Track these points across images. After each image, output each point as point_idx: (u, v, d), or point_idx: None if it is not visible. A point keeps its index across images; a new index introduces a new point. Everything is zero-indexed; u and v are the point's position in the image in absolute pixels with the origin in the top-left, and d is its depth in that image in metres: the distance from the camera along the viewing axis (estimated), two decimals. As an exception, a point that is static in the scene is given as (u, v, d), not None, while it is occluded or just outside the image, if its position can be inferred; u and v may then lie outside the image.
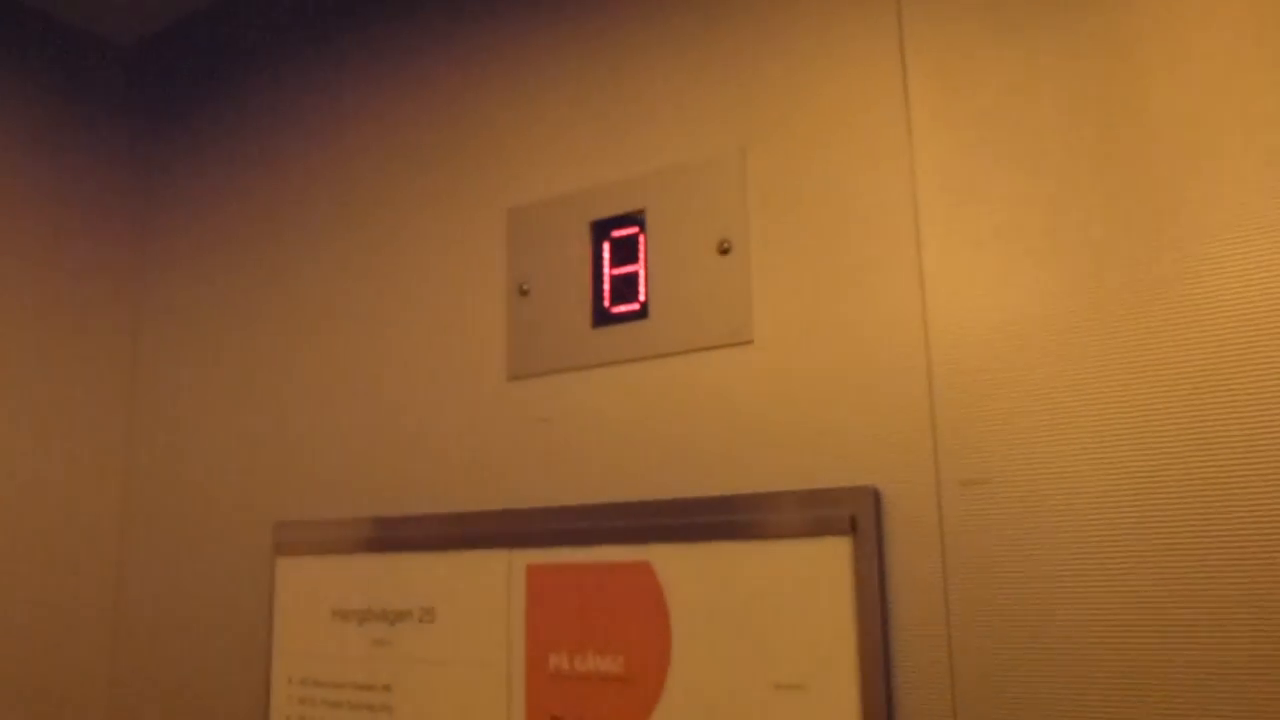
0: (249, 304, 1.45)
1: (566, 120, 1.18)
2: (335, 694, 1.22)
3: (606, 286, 1.11)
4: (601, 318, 1.11)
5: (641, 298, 1.08)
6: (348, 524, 1.26)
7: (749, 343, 1.00)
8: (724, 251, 1.03)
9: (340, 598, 1.24)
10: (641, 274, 1.09)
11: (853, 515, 0.91)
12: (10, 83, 1.51)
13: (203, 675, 1.39)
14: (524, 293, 1.17)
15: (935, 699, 0.86)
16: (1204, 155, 0.81)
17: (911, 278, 0.92)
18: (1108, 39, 0.87)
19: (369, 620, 1.21)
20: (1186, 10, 0.83)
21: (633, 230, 1.10)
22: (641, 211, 1.10)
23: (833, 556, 0.91)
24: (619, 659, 1.02)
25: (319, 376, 1.34)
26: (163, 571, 1.47)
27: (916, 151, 0.94)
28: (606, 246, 1.12)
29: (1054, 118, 0.88)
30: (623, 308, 1.09)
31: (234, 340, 1.45)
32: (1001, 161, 0.90)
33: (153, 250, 1.60)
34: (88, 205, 1.57)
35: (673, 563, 1.00)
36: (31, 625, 1.43)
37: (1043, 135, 0.88)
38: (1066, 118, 0.87)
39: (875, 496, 0.90)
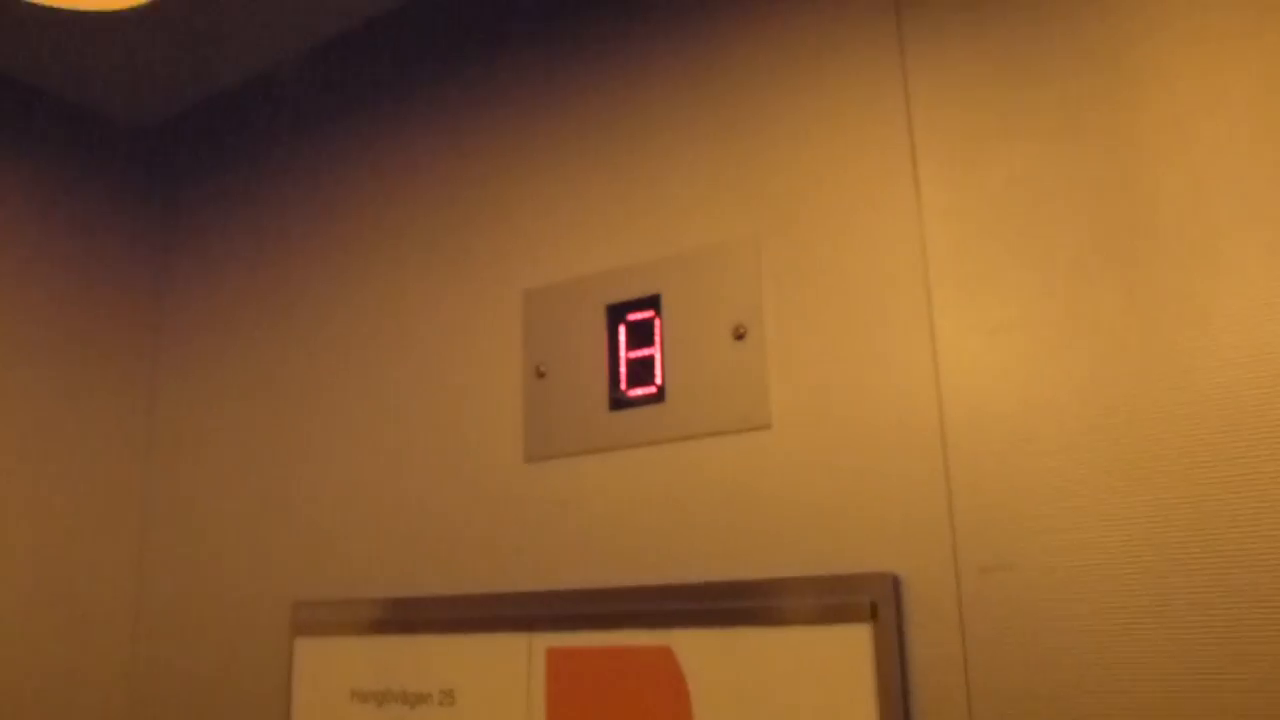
0: (264, 384, 1.46)
1: (582, 204, 1.20)
2: (354, 777, 1.22)
3: (623, 370, 1.13)
4: (618, 401, 1.12)
5: (658, 381, 1.10)
6: (366, 604, 1.26)
7: (767, 427, 1.02)
8: (739, 336, 1.05)
9: (359, 679, 1.24)
10: (658, 357, 1.10)
11: (873, 602, 0.91)
12: (31, 166, 1.54)
13: (220, 756, 1.38)
14: (541, 375, 1.18)
15: (960, 789, 0.86)
16: (1210, 247, 0.83)
17: (926, 365, 0.94)
18: (1115, 133, 0.89)
19: (388, 702, 1.21)
20: (1191, 107, 0.86)
21: (649, 314, 1.12)
22: (657, 296, 1.11)
23: (854, 643, 0.92)
24: (641, 745, 1.02)
25: (337, 457, 1.35)
26: (179, 652, 1.47)
27: (928, 240, 0.96)
28: (623, 330, 1.14)
29: (1063, 209, 0.90)
30: (639, 391, 1.11)
31: (249, 421, 1.47)
32: (1012, 251, 0.92)
33: (167, 332, 1.62)
34: (104, 284, 1.59)
35: (694, 648, 1.00)
36: (47, 707, 1.42)
37: (1052, 226, 0.90)
38: (1075, 209, 0.89)
39: (895, 583, 0.91)
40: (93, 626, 1.49)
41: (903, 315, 0.96)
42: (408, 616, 1.22)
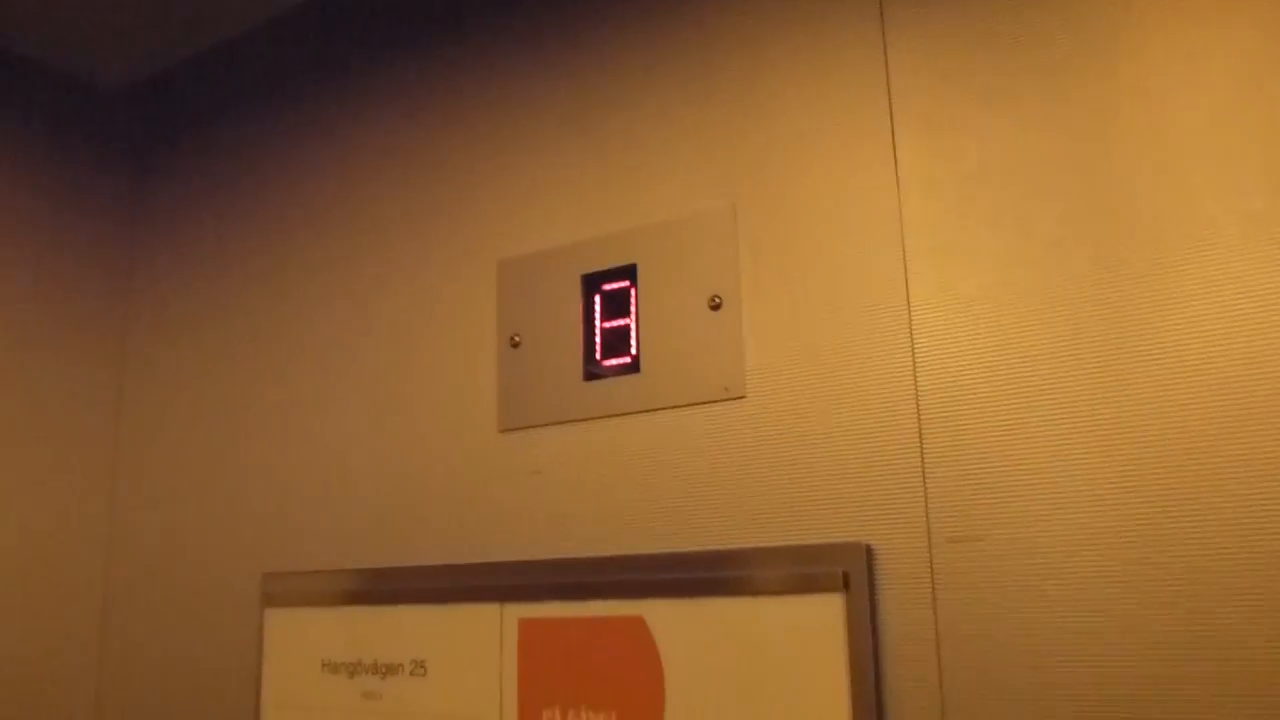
0: (236, 355, 1.44)
1: (558, 174, 1.19)
2: (325, 748, 1.21)
3: (598, 339, 1.12)
4: (593, 371, 1.11)
5: (633, 351, 1.09)
6: (338, 575, 1.25)
7: (741, 398, 1.01)
8: (715, 307, 1.04)
9: (330, 650, 1.24)
10: (633, 327, 1.09)
11: (845, 572, 0.91)
12: (-3, 130, 1.51)
13: (189, 727, 1.37)
14: (515, 344, 1.17)
15: (929, 757, 0.86)
16: (1185, 222, 0.83)
17: (901, 336, 0.94)
18: (1091, 106, 0.88)
19: (359, 673, 1.20)
20: (1167, 80, 0.85)
21: (624, 284, 1.11)
22: (633, 266, 1.11)
23: (826, 612, 0.92)
24: (612, 714, 1.01)
25: (309, 427, 1.34)
26: (150, 624, 1.46)
27: (905, 212, 0.96)
28: (598, 299, 1.13)
29: (1039, 181, 0.90)
30: (614, 361, 1.10)
31: (221, 391, 1.45)
32: (988, 222, 0.92)
33: (139, 300, 1.60)
34: (75, 252, 1.56)
35: (666, 618, 1.00)
36: (16, 680, 1.41)
37: (1028, 197, 0.90)
38: (1051, 180, 0.89)
39: (868, 553, 0.91)
40: (63, 599, 1.47)
41: (879, 285, 0.96)
42: (380, 587, 1.21)
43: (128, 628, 1.48)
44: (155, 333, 1.56)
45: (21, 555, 1.44)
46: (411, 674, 1.16)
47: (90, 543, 1.52)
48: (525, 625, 1.09)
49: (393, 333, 1.28)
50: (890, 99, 0.98)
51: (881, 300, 0.95)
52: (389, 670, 1.18)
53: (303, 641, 1.26)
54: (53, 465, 1.49)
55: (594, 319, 1.13)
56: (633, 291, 1.10)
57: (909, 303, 0.94)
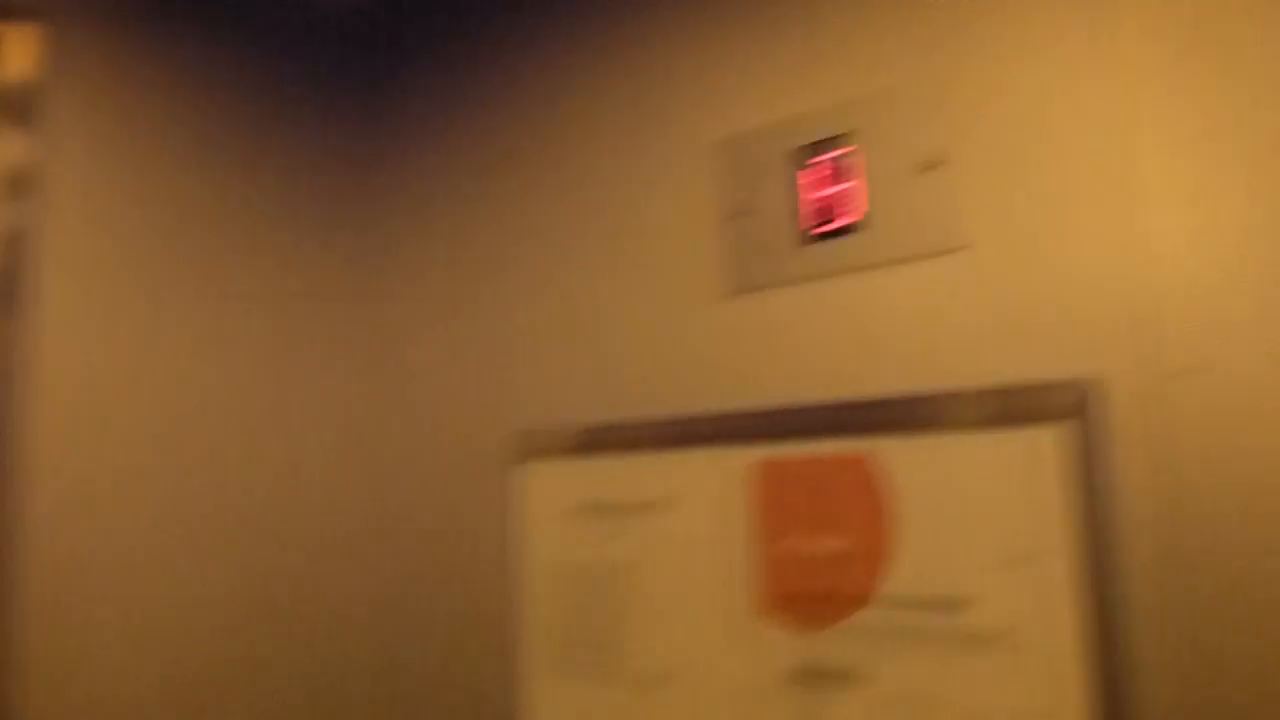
0: (479, 239, 1.60)
1: (772, 54, 1.27)
2: (580, 574, 1.39)
3: (816, 206, 1.21)
4: (814, 235, 1.20)
5: (852, 215, 1.17)
6: (583, 430, 1.41)
7: (962, 249, 1.09)
8: (931, 168, 1.11)
9: (580, 496, 1.40)
10: (852, 192, 1.18)
11: (1068, 404, 0.99)
12: (233, 60, 1.67)
13: (455, 571, 1.58)
14: (737, 215, 1.27)
15: (1150, 571, 0.95)
16: None
17: (1121, 180, 0.99)
18: (1319, -60, 0.90)
19: (610, 514, 1.37)
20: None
21: (840, 151, 1.19)
22: (848, 134, 1.18)
23: (1047, 445, 1.00)
24: (845, 539, 1.14)
25: (552, 300, 1.49)
26: (411, 482, 1.66)
27: (1122, 63, 0.99)
28: (816, 167, 1.21)
29: (1254, 24, 0.92)
30: (833, 225, 1.19)
31: (467, 272, 1.61)
32: (1206, 67, 0.95)
33: (387, 195, 1.77)
34: (317, 157, 1.73)
35: (894, 453, 1.11)
36: (292, 541, 1.64)
37: (1242, 40, 0.93)
38: (1262, 25, 0.91)
39: (1090, 388, 0.99)
40: (332, 469, 1.69)
41: (1099, 132, 1.01)
42: (624, 437, 1.36)
43: (391, 488, 1.70)
44: (406, 219, 1.73)
45: (286, 437, 1.66)
46: (658, 511, 1.31)
47: (354, 411, 1.73)
48: (763, 465, 1.22)
49: (627, 211, 1.41)
50: (1106, -48, 1.01)
51: (1104, 146, 1.00)
52: (638, 509, 1.34)
53: (555, 490, 1.44)
54: (323, 351, 1.69)
55: (812, 187, 1.21)
56: (850, 158, 1.18)
57: (1127, 146, 0.99)
